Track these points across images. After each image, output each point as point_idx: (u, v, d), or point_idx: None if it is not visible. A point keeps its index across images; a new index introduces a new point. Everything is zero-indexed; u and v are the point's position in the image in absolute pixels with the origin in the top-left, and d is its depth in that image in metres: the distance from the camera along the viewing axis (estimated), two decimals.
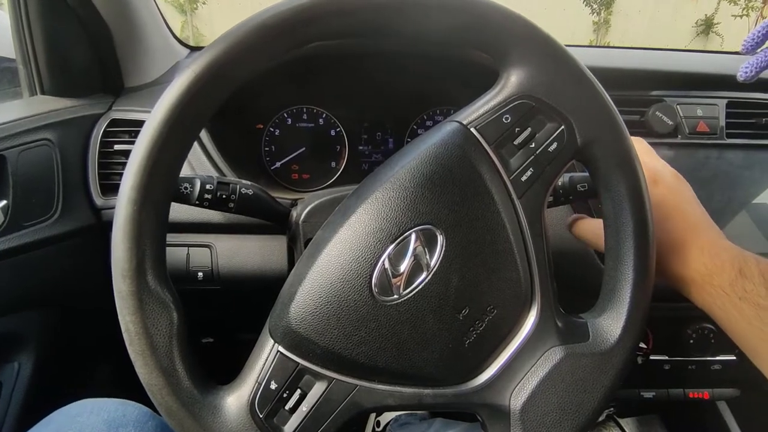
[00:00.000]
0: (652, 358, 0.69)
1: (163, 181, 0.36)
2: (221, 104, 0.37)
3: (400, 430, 0.95)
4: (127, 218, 0.35)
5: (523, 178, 0.38)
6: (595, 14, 6.74)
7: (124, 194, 0.35)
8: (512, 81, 0.39)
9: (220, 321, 0.88)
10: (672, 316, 0.67)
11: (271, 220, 0.55)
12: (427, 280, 0.36)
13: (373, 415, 1.09)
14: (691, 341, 0.67)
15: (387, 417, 1.04)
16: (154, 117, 0.35)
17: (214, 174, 0.66)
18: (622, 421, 0.88)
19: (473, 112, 0.39)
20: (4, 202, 0.55)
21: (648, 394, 0.72)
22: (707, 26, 6.51)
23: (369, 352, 0.36)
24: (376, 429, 1.06)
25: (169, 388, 0.36)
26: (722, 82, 0.69)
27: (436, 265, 0.36)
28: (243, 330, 0.94)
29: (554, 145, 0.39)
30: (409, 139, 0.81)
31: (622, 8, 6.70)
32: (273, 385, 0.37)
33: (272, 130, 0.78)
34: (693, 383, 0.72)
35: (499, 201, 0.38)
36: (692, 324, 0.68)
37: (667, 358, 0.69)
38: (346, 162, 0.79)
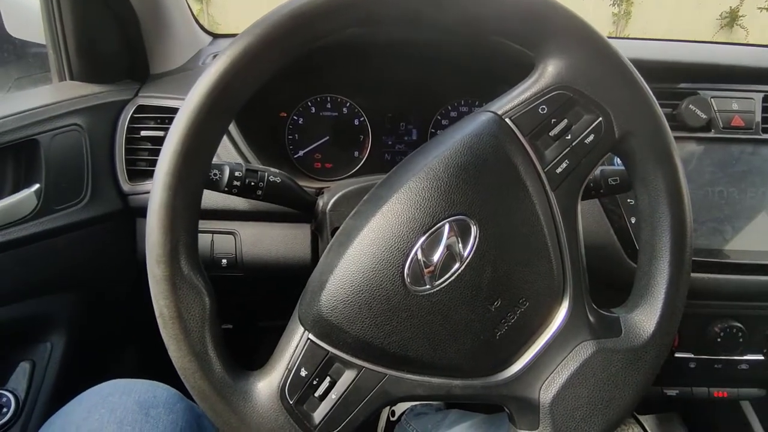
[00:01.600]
0: (677, 355, 0.68)
1: (197, 167, 0.36)
2: (256, 90, 0.37)
3: (415, 420, 0.95)
4: (162, 204, 0.35)
5: (558, 170, 0.38)
6: (615, 5, 6.59)
7: (160, 180, 0.35)
8: (549, 71, 0.38)
9: (239, 308, 0.89)
10: (698, 312, 0.66)
11: (297, 208, 0.55)
12: (460, 271, 0.36)
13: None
14: (719, 339, 0.66)
15: (402, 407, 1.05)
16: (189, 102, 0.35)
17: (240, 161, 0.66)
18: (642, 418, 0.87)
19: (508, 102, 0.39)
20: (37, 185, 0.56)
21: (671, 392, 0.71)
22: (732, 19, 6.33)
23: (400, 342, 0.36)
24: (391, 418, 1.07)
25: (202, 372, 0.36)
26: (760, 75, 0.67)
27: (470, 256, 0.36)
28: (262, 317, 0.95)
29: (591, 137, 0.38)
30: (433, 130, 0.80)
31: None
32: (303, 372, 0.37)
33: (296, 118, 0.78)
34: (718, 382, 0.71)
35: (534, 193, 0.37)
36: (719, 322, 0.67)
37: (692, 355, 0.68)
38: (369, 152, 0.79)
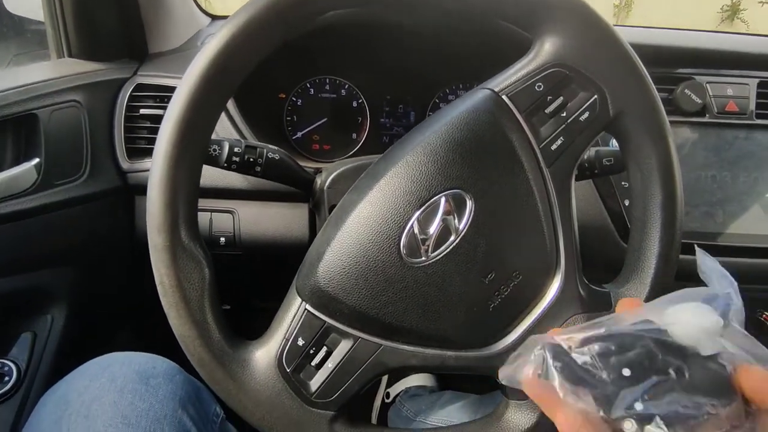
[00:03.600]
0: None
1: (198, 139, 0.37)
2: (257, 63, 0.37)
3: (410, 401, 0.96)
4: (163, 174, 0.36)
5: (553, 147, 0.39)
6: None
7: (161, 150, 0.36)
8: (546, 49, 0.39)
9: (238, 288, 0.90)
10: None
11: (295, 186, 0.56)
12: (455, 243, 0.37)
13: (383, 386, 1.11)
14: None
15: (397, 388, 1.06)
16: (190, 74, 0.36)
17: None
18: None
19: (505, 80, 0.39)
20: (37, 160, 0.56)
21: None
22: (732, 12, 6.31)
23: (395, 313, 0.37)
24: (386, 400, 1.09)
25: (201, 339, 0.37)
26: (755, 61, 0.67)
27: (465, 229, 0.37)
28: (260, 298, 0.96)
29: (586, 115, 0.39)
30: (431, 113, 0.80)
31: None
32: (300, 342, 0.38)
33: (294, 99, 0.78)
34: None
35: (529, 169, 0.38)
36: None
37: None
38: (367, 134, 0.79)
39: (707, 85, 0.65)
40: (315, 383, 0.38)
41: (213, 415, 0.51)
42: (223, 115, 0.67)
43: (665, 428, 0.22)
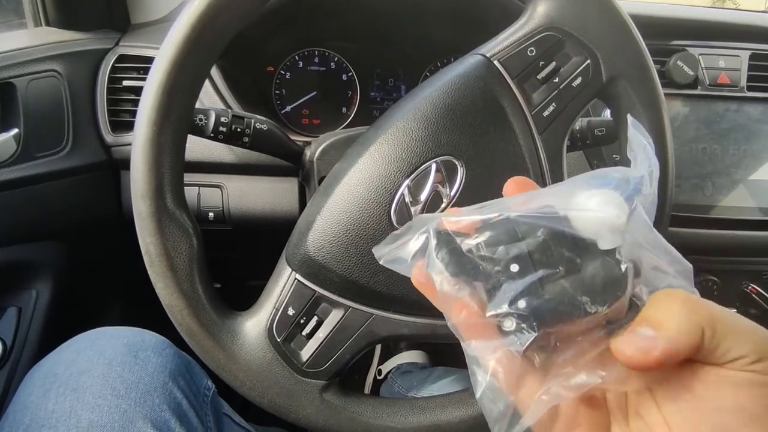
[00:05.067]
0: None
1: (181, 103, 0.36)
2: (241, 25, 0.36)
3: (401, 378, 0.97)
4: (147, 139, 0.35)
5: (545, 114, 0.38)
6: None
7: (144, 115, 0.35)
8: (539, 12, 0.38)
9: (229, 265, 0.89)
10: None
11: (284, 157, 0.55)
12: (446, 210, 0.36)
13: (375, 363, 1.12)
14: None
15: (389, 365, 1.07)
16: (173, 35, 0.34)
17: None
18: None
19: (497, 45, 0.39)
20: (16, 130, 0.54)
21: None
22: None
23: (386, 281, 0.37)
24: (378, 377, 1.10)
25: (190, 309, 0.36)
26: (747, 33, 0.67)
27: (456, 196, 0.36)
28: (252, 275, 0.95)
29: (578, 80, 0.38)
30: None
31: None
32: (290, 311, 0.37)
33: (283, 73, 0.77)
34: None
35: (520, 135, 0.38)
36: (695, 275, 0.68)
37: None
38: (357, 108, 0.78)
39: (699, 57, 0.65)
40: (306, 353, 0.38)
41: (204, 388, 0.50)
42: (211, 89, 0.65)
43: (535, 330, 0.20)
